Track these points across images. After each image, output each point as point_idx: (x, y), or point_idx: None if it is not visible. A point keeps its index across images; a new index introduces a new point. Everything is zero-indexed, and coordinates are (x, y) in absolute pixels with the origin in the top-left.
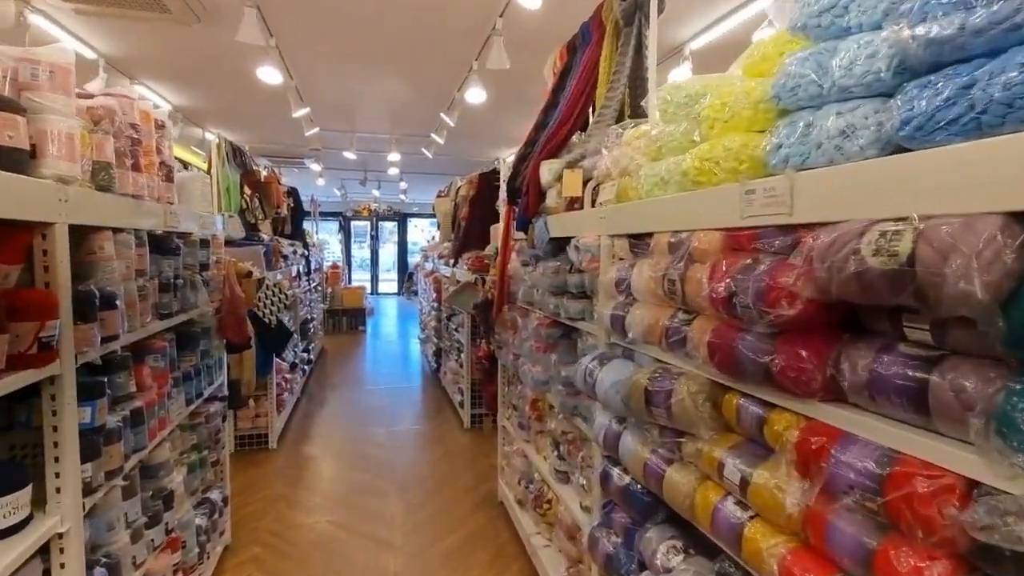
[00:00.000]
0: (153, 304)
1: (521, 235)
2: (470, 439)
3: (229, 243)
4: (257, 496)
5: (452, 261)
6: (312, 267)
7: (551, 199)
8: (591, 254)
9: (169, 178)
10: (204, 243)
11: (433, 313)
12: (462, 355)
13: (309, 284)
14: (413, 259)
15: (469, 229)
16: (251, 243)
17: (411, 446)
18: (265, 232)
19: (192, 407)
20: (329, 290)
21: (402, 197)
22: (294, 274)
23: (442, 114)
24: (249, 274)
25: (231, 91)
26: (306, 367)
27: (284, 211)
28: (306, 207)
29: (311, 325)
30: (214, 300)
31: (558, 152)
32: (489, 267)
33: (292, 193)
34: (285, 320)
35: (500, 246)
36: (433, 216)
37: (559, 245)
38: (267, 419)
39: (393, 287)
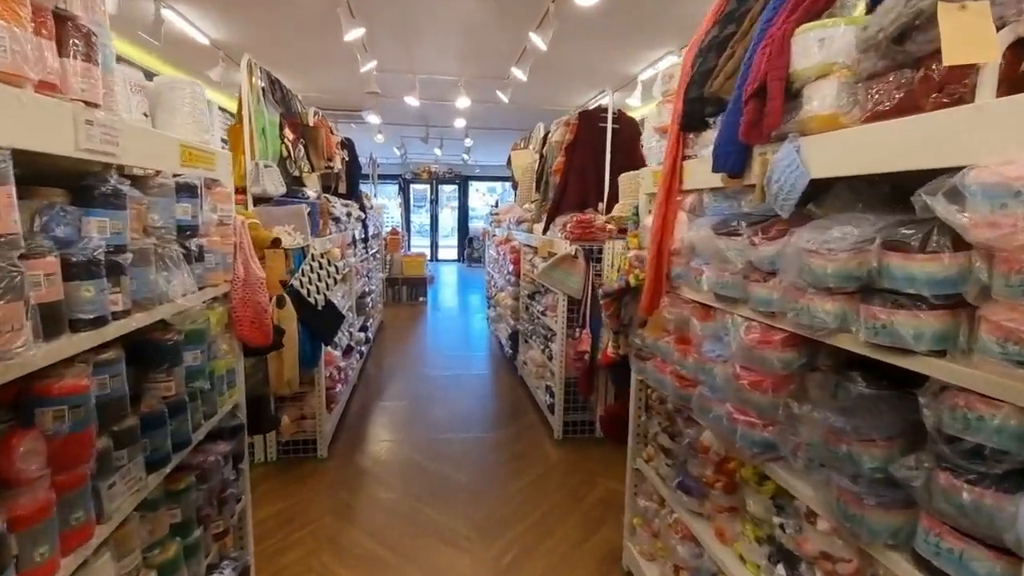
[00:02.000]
0: (48, 304)
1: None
2: (566, 457)
3: (263, 200)
4: (296, 536)
5: (543, 226)
6: (370, 232)
7: (819, 102)
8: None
9: (90, 57)
10: (188, 190)
11: (509, 289)
12: (551, 345)
13: (367, 252)
14: (473, 224)
15: (566, 185)
16: (293, 201)
17: (489, 464)
18: (312, 188)
19: (166, 469)
20: (388, 257)
21: (465, 157)
22: (348, 240)
23: (532, 34)
24: (276, 242)
25: (276, 18)
26: (363, 349)
27: (337, 165)
28: (364, 167)
29: (369, 299)
30: (216, 282)
31: (824, 11)
32: (607, 235)
33: (347, 145)
34: (337, 299)
35: (659, 201)
36: (497, 179)
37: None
38: (315, 421)
39: (453, 254)
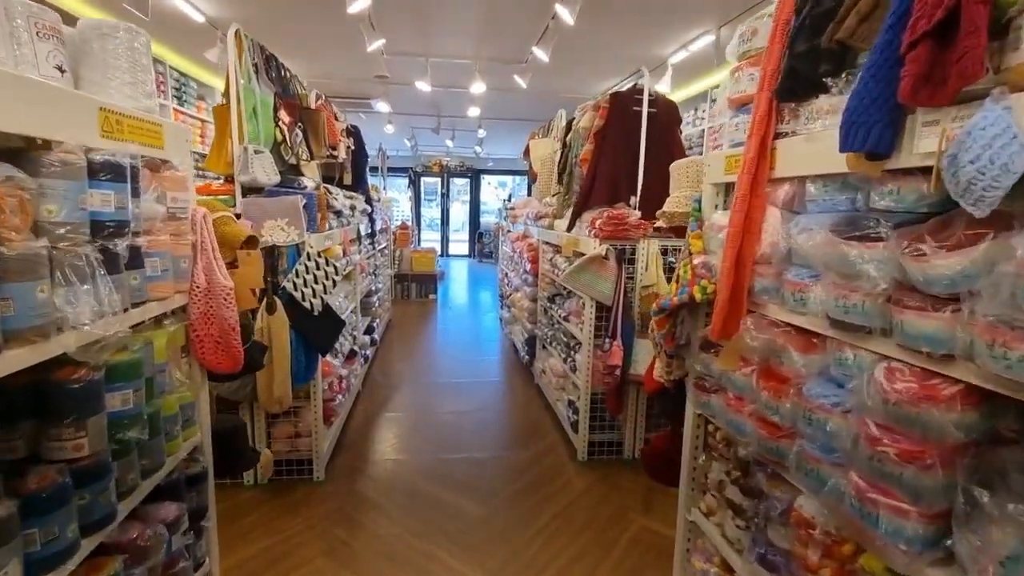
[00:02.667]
0: None
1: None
2: (592, 485)
3: (255, 191)
4: None
5: (567, 223)
6: (378, 227)
7: None
8: None
9: None
10: (112, 171)
11: (526, 290)
12: (575, 355)
13: (374, 247)
14: (484, 219)
15: (594, 176)
16: (288, 191)
17: (506, 493)
18: (310, 178)
19: (69, 564)
20: (397, 252)
21: (477, 149)
22: (352, 236)
23: (558, 5)
24: (252, 242)
25: None
26: (368, 352)
27: (342, 154)
28: (373, 159)
29: (376, 297)
30: (165, 294)
31: None
32: (642, 233)
33: (353, 133)
34: (338, 302)
35: (740, 193)
36: (509, 173)
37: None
38: (311, 439)
39: (463, 249)
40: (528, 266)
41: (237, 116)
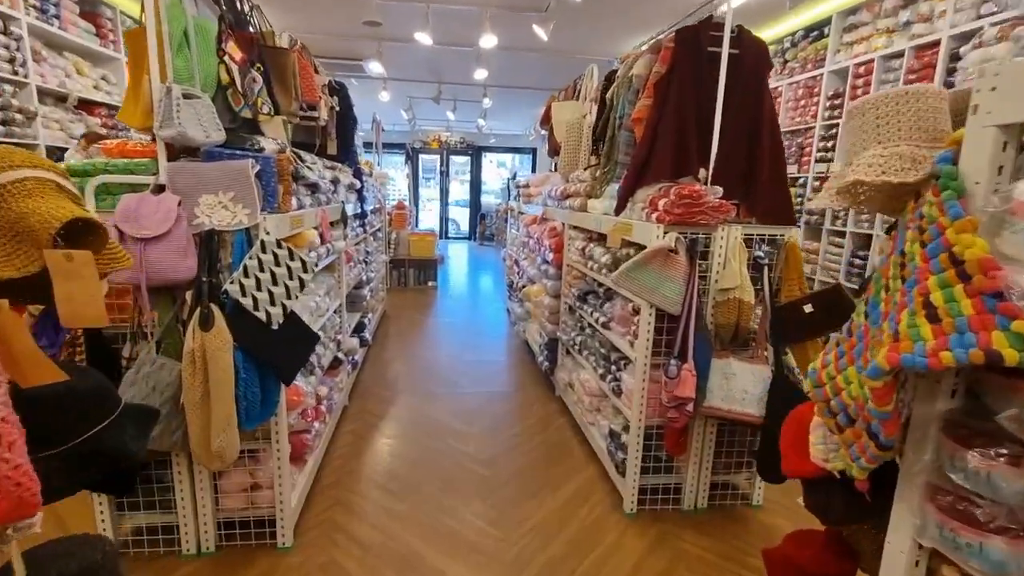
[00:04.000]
0: None
1: None
2: (648, 553)
3: (190, 153)
4: None
5: (616, 203)
6: (369, 206)
7: None
8: None
9: None
10: None
11: (547, 284)
12: (620, 374)
13: (364, 230)
14: (485, 199)
15: (653, 142)
16: (234, 154)
17: (538, 563)
18: (273, 136)
19: None
20: (394, 235)
21: (480, 123)
22: (336, 217)
23: None
24: (85, 231)
25: None
26: (357, 357)
27: (323, 115)
28: (367, 133)
29: (367, 289)
30: None
31: None
32: (721, 218)
33: (338, 91)
34: (314, 301)
35: None
36: (513, 151)
37: None
38: (274, 492)
39: (464, 229)
40: (549, 255)
41: (156, 42)
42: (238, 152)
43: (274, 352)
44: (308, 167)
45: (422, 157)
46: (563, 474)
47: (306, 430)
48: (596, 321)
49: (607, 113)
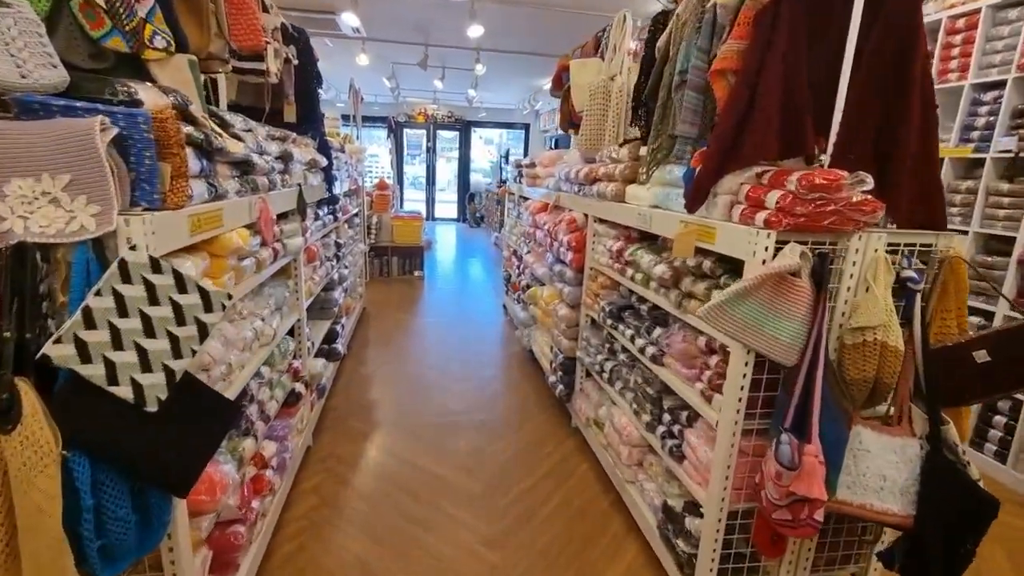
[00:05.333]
0: None
1: None
2: None
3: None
4: None
5: (689, 193)
6: (344, 187)
7: None
8: None
9: None
10: None
11: (564, 289)
12: (681, 430)
13: (335, 218)
14: (475, 178)
15: (750, 104)
16: (77, 107)
17: None
18: (168, 85)
19: None
20: (375, 219)
21: (471, 93)
22: (288, 208)
23: None
24: None
25: None
26: (326, 380)
27: (272, 67)
28: (345, 105)
29: (340, 291)
30: None
31: None
32: (863, 221)
33: (297, 39)
34: (251, 330)
35: None
36: (504, 126)
37: None
38: None
39: (452, 211)
40: (568, 255)
41: None
42: (85, 106)
43: (154, 448)
44: (234, 133)
45: (407, 132)
46: (598, 559)
47: (238, 520)
48: (640, 350)
49: (657, 68)
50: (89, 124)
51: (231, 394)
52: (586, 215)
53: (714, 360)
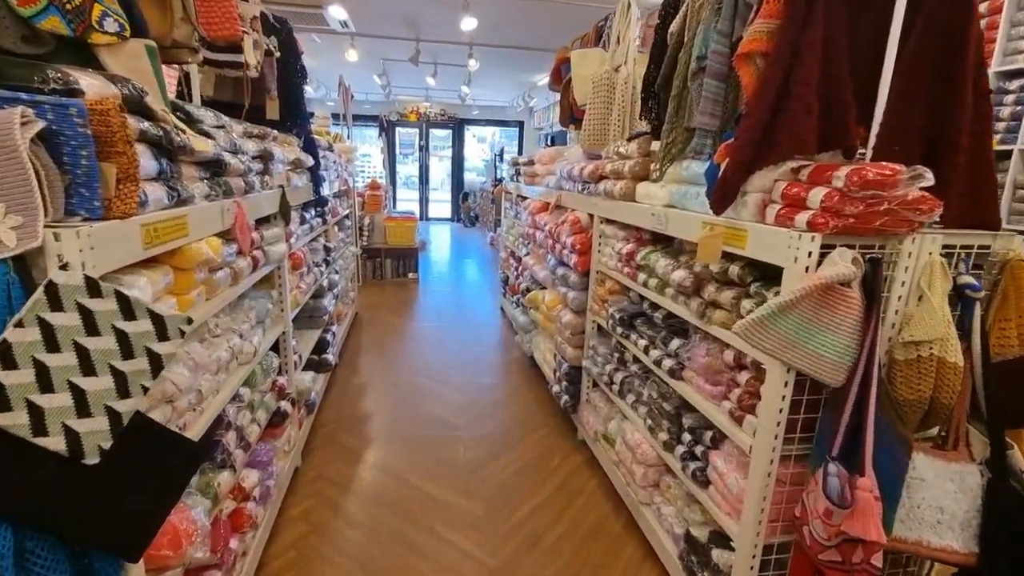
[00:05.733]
0: None
1: None
2: None
3: None
4: None
5: (717, 192)
6: (331, 189)
7: None
8: None
9: None
10: None
11: (568, 294)
12: (708, 454)
13: (324, 220)
14: (468, 177)
15: (786, 89)
16: None
17: None
18: (119, 74)
19: None
20: (367, 220)
21: (464, 90)
22: (269, 212)
23: None
24: None
25: None
26: (315, 395)
27: (252, 60)
28: (336, 104)
29: (329, 297)
30: None
31: None
32: (917, 221)
33: (279, 31)
34: (225, 350)
35: None
36: (498, 124)
37: None
38: None
39: (445, 211)
40: (572, 258)
41: None
42: (5, 95)
43: (97, 507)
44: (202, 129)
45: (399, 130)
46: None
47: (213, 566)
48: (656, 363)
49: (670, 56)
50: (6, 117)
51: (203, 424)
52: (591, 215)
53: (744, 377)
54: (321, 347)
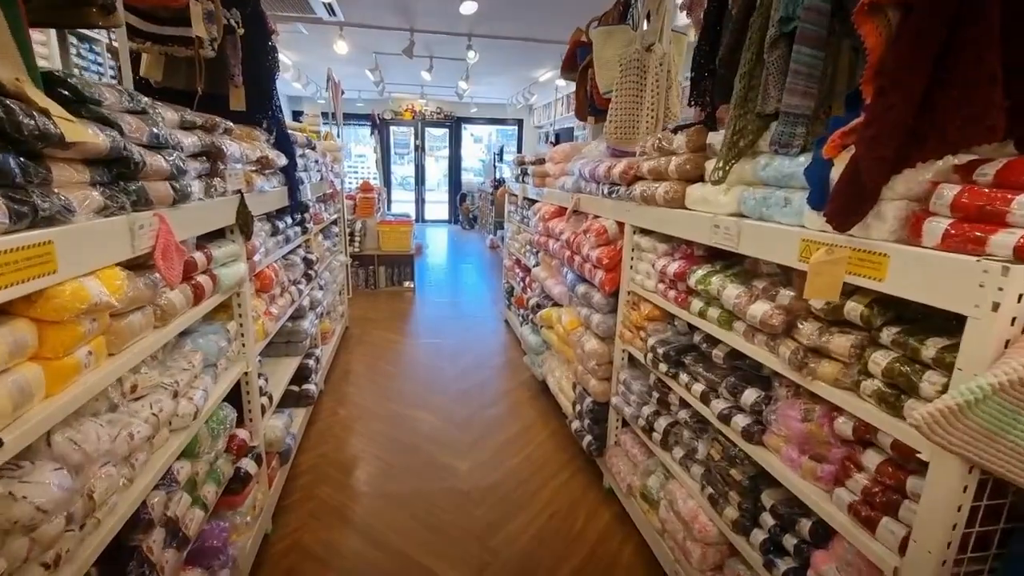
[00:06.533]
0: None
1: None
2: None
3: None
4: None
5: (836, 204)
6: (313, 194)
7: None
8: None
9: None
10: None
11: (590, 316)
12: (813, 556)
13: (304, 229)
14: (466, 176)
15: (985, 38)
16: None
17: None
18: None
19: None
20: (359, 225)
21: (462, 86)
22: (215, 224)
23: None
24: None
25: None
26: (291, 439)
27: (204, 33)
28: (326, 102)
29: (310, 319)
30: None
31: None
32: None
33: (242, 2)
34: (135, 438)
35: None
36: (496, 122)
37: None
38: None
39: (442, 212)
40: (597, 274)
41: None
42: None
43: None
44: (99, 113)
45: (393, 129)
46: None
47: None
48: (723, 417)
49: (735, 23)
50: None
51: (100, 541)
52: (620, 224)
53: (873, 459)
54: (302, 376)
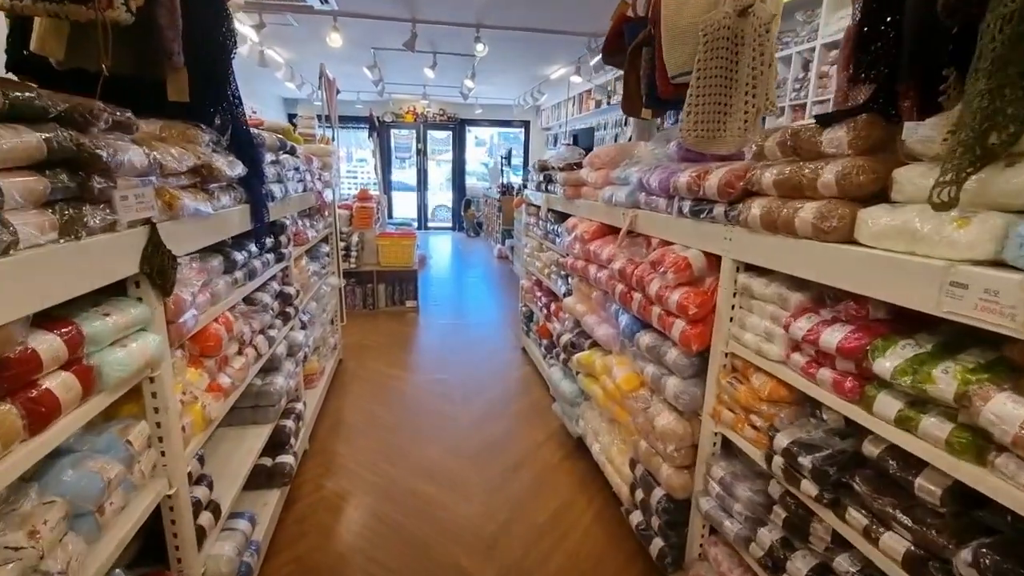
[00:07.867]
0: None
1: None
2: None
3: None
4: None
5: None
6: (289, 209)
7: None
8: None
9: None
10: None
11: (661, 378)
12: None
13: (280, 255)
14: (469, 181)
15: None
16: None
17: None
18: None
19: None
20: (355, 238)
21: (468, 84)
22: (64, 289)
23: None
24: None
25: None
26: (249, 556)
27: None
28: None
29: (285, 372)
30: None
31: None
32: None
33: None
34: None
35: None
36: (502, 124)
37: None
38: None
39: (446, 218)
40: (677, 326)
41: None
42: None
43: None
44: None
45: (394, 132)
46: None
47: None
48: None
49: None
50: None
51: None
52: (711, 256)
53: None
54: (277, 443)
